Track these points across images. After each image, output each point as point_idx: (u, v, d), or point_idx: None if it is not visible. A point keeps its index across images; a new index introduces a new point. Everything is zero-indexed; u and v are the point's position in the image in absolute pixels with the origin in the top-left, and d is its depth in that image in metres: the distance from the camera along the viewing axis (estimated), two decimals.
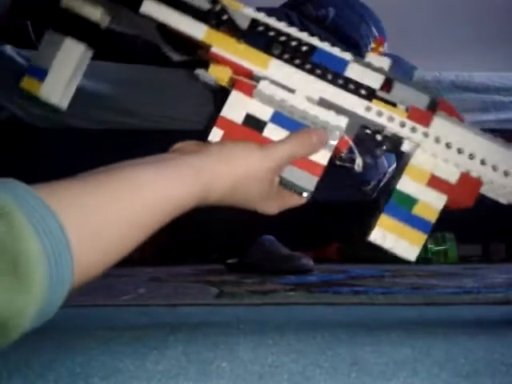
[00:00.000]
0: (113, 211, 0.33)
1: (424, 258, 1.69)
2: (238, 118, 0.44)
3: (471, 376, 0.30)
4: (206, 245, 1.56)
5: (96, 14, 0.50)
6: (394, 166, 1.20)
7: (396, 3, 2.34)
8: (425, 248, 1.72)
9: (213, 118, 0.45)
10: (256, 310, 0.64)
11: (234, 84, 0.46)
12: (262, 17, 0.46)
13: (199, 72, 0.46)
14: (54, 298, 0.28)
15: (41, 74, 0.49)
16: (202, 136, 0.47)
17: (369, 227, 0.46)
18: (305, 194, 0.45)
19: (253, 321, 0.55)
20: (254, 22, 0.46)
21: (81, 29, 0.50)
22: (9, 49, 1.63)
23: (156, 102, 1.38)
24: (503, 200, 0.47)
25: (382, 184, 1.21)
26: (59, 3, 0.50)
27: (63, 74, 0.49)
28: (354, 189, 1.18)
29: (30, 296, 0.27)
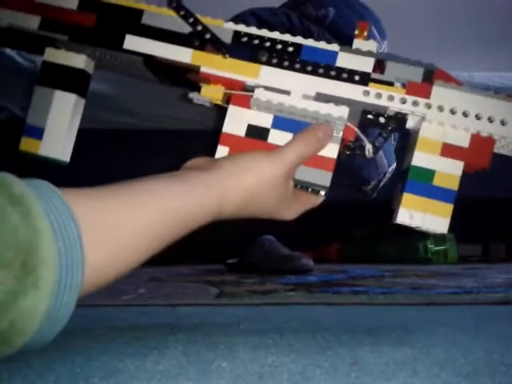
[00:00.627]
0: (125, 219, 0.33)
1: (424, 257, 1.69)
2: (241, 131, 0.45)
3: (471, 376, 0.30)
4: (206, 245, 1.56)
5: (80, 61, 0.49)
6: (394, 165, 1.20)
7: (396, 3, 2.34)
8: (425, 248, 1.73)
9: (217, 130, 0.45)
10: (256, 310, 0.64)
11: (228, 99, 0.46)
12: (243, 28, 0.46)
13: (193, 96, 0.47)
14: (63, 302, 0.28)
15: (37, 132, 0.48)
16: (203, 136, 0.47)
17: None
18: (322, 193, 0.45)
19: (253, 321, 0.55)
20: (237, 35, 0.46)
21: (68, 79, 0.49)
22: (9, 49, 1.63)
23: (157, 101, 1.38)
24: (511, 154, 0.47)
25: (381, 184, 1.21)
26: (43, 57, 0.49)
27: (60, 129, 0.48)
28: (354, 188, 1.19)
29: (36, 292, 0.26)
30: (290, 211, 0.46)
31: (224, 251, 1.37)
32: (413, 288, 0.86)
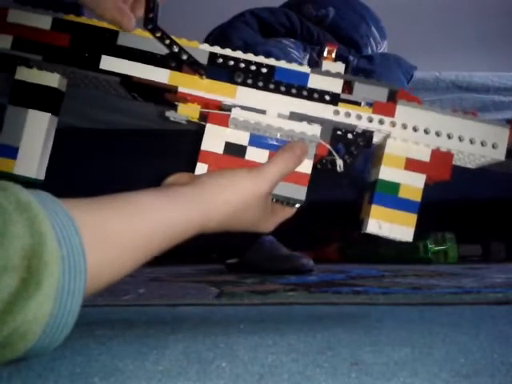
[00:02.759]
0: (118, 230, 0.34)
1: (424, 257, 1.69)
2: (219, 149, 0.47)
3: (471, 376, 0.30)
4: (206, 245, 1.56)
5: (54, 80, 0.49)
6: None
7: (396, 3, 2.34)
8: (425, 248, 1.72)
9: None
10: (256, 310, 0.64)
11: (205, 118, 0.48)
12: (218, 50, 0.48)
13: (169, 114, 0.48)
14: (67, 309, 0.28)
15: (11, 152, 0.48)
16: (197, 136, 0.47)
17: (359, 223, 0.49)
18: (297, 205, 0.48)
19: (253, 321, 0.55)
20: (213, 56, 0.48)
21: (41, 98, 0.48)
22: None
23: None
24: (471, 166, 0.51)
25: None
26: (14, 76, 0.48)
27: (35, 148, 0.48)
28: (353, 188, 1.19)
29: (39, 294, 0.27)
30: (268, 224, 0.48)
31: (224, 251, 1.37)
32: (413, 288, 0.86)
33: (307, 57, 1.34)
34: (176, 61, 0.47)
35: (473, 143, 0.48)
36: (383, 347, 0.38)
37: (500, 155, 0.48)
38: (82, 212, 0.32)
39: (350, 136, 0.49)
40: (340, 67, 0.49)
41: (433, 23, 2.43)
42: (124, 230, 0.34)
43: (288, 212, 0.50)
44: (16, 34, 0.48)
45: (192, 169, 0.47)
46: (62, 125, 0.51)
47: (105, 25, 0.48)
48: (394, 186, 0.47)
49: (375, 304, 0.68)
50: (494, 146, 0.48)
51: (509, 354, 0.36)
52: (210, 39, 1.47)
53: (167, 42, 0.47)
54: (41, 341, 0.28)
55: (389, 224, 0.47)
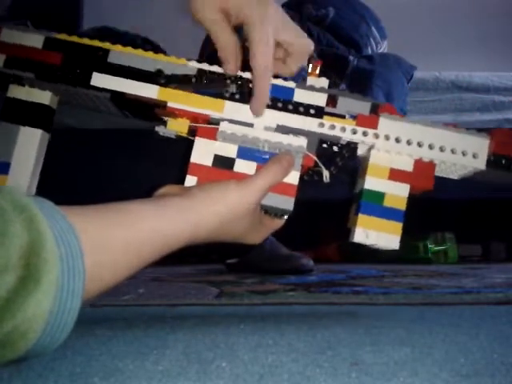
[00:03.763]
0: (112, 237, 0.34)
1: (424, 257, 1.69)
2: (208, 161, 0.48)
3: (471, 376, 0.30)
4: (206, 245, 1.56)
5: (45, 97, 0.50)
6: None
7: (396, 3, 2.34)
8: (425, 248, 1.72)
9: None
10: (256, 310, 0.64)
11: (194, 132, 0.49)
12: (206, 66, 0.49)
13: (159, 129, 0.50)
14: (66, 309, 0.28)
15: (3, 167, 0.48)
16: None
17: (347, 232, 0.50)
18: (285, 217, 0.49)
19: (253, 321, 0.55)
20: (200, 72, 0.49)
21: (33, 115, 0.49)
22: None
23: None
24: (454, 176, 0.52)
25: None
26: (6, 93, 0.49)
27: (27, 164, 0.49)
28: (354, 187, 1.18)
29: (38, 291, 0.27)
30: (257, 235, 0.49)
31: (224, 251, 1.37)
32: (413, 288, 0.86)
33: None
34: (164, 78, 0.49)
35: (454, 153, 0.49)
36: (383, 347, 0.38)
37: (481, 164, 0.50)
38: (78, 217, 0.32)
39: (335, 148, 0.50)
40: (324, 82, 0.50)
41: (433, 23, 2.42)
42: (118, 236, 0.35)
43: (276, 223, 0.51)
44: (9, 52, 0.49)
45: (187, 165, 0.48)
46: (62, 126, 0.51)
47: (96, 43, 0.49)
48: (379, 196, 0.49)
49: (375, 304, 0.68)
50: (474, 156, 0.49)
51: (509, 354, 0.36)
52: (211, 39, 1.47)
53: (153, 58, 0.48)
54: (41, 340, 0.28)
55: (375, 232, 0.48)
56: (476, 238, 1.82)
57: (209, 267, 1.41)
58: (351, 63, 1.39)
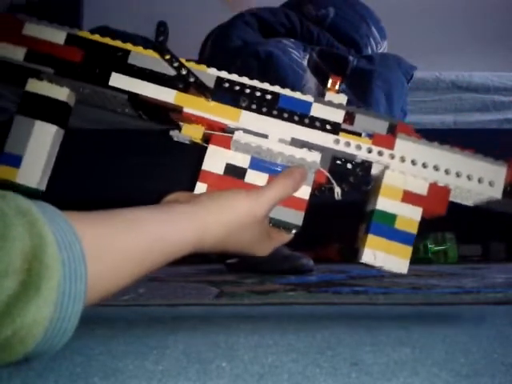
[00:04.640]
0: (116, 244, 0.34)
1: (424, 257, 1.69)
2: (219, 170, 0.47)
3: (471, 376, 0.30)
4: None
5: (63, 94, 0.49)
6: None
7: (396, 3, 2.34)
8: (425, 248, 1.72)
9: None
10: (256, 310, 0.64)
11: (208, 139, 0.48)
12: (225, 74, 0.49)
13: (173, 133, 0.49)
14: (67, 314, 0.28)
15: (15, 160, 0.48)
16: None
17: (355, 251, 0.49)
18: (294, 231, 0.48)
19: (253, 321, 0.55)
20: (219, 80, 0.49)
21: (49, 111, 0.49)
22: None
23: None
24: (469, 203, 0.51)
25: None
26: (24, 87, 0.49)
27: (39, 159, 0.48)
28: (355, 188, 1.18)
29: (39, 296, 0.27)
30: (265, 248, 0.48)
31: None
32: (413, 288, 0.86)
33: (307, 57, 1.34)
34: (183, 82, 0.48)
35: (470, 179, 0.49)
36: (383, 347, 0.38)
37: (497, 193, 0.49)
38: (81, 222, 0.32)
39: (349, 166, 0.49)
40: (343, 99, 0.50)
41: (433, 23, 2.43)
42: (121, 243, 0.34)
43: (285, 237, 0.50)
44: (30, 46, 0.49)
45: (196, 168, 0.48)
46: (68, 126, 0.51)
47: (117, 44, 0.49)
48: (391, 217, 0.48)
49: (375, 304, 0.68)
50: (490, 184, 0.49)
51: (509, 354, 0.36)
52: (211, 39, 1.47)
53: (176, 64, 0.47)
54: (41, 345, 0.28)
55: (384, 254, 0.47)
56: (476, 238, 1.82)
57: (209, 267, 1.41)
58: (351, 63, 1.39)
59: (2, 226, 0.27)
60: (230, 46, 1.38)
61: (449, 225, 1.74)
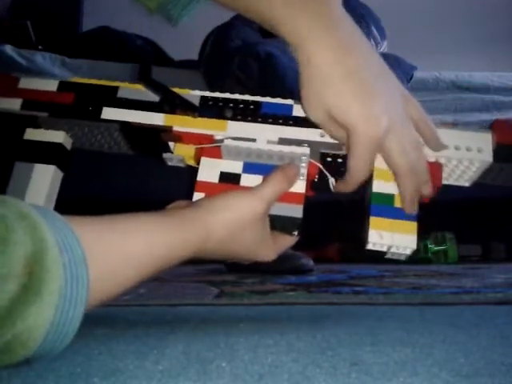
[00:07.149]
0: (115, 245, 0.34)
1: (424, 257, 1.69)
2: (214, 178, 0.49)
3: (471, 376, 0.30)
4: None
5: (59, 137, 0.52)
6: None
7: (396, 3, 2.34)
8: (425, 248, 1.72)
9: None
10: (256, 310, 0.64)
11: (200, 153, 0.51)
12: (208, 93, 0.52)
13: (166, 156, 0.53)
14: (68, 317, 0.28)
15: None
16: None
17: (361, 237, 0.49)
18: (295, 233, 0.49)
19: (253, 321, 0.55)
20: (203, 99, 0.52)
21: (46, 153, 0.52)
22: (9, 48, 1.63)
23: None
24: (465, 182, 0.52)
25: None
26: (22, 136, 0.52)
27: (38, 199, 0.50)
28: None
29: (40, 300, 0.27)
30: (269, 252, 0.49)
31: None
32: (413, 288, 0.86)
33: None
34: (169, 106, 0.51)
35: (458, 149, 0.49)
36: (383, 347, 0.38)
37: (487, 157, 0.49)
38: (82, 226, 0.32)
39: (339, 160, 0.50)
40: None
41: (433, 23, 2.43)
42: (122, 247, 0.35)
43: (289, 240, 0.50)
44: (25, 96, 0.52)
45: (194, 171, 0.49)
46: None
47: (106, 83, 0.53)
48: (389, 197, 0.48)
49: (375, 304, 0.68)
50: (479, 150, 0.49)
51: (509, 354, 0.36)
52: (211, 39, 1.47)
53: (161, 91, 0.51)
54: (42, 348, 0.28)
55: (390, 233, 0.47)
56: (476, 238, 1.82)
57: (209, 267, 1.41)
58: None
59: (3, 230, 0.27)
60: (229, 46, 1.38)
61: (449, 225, 1.74)
